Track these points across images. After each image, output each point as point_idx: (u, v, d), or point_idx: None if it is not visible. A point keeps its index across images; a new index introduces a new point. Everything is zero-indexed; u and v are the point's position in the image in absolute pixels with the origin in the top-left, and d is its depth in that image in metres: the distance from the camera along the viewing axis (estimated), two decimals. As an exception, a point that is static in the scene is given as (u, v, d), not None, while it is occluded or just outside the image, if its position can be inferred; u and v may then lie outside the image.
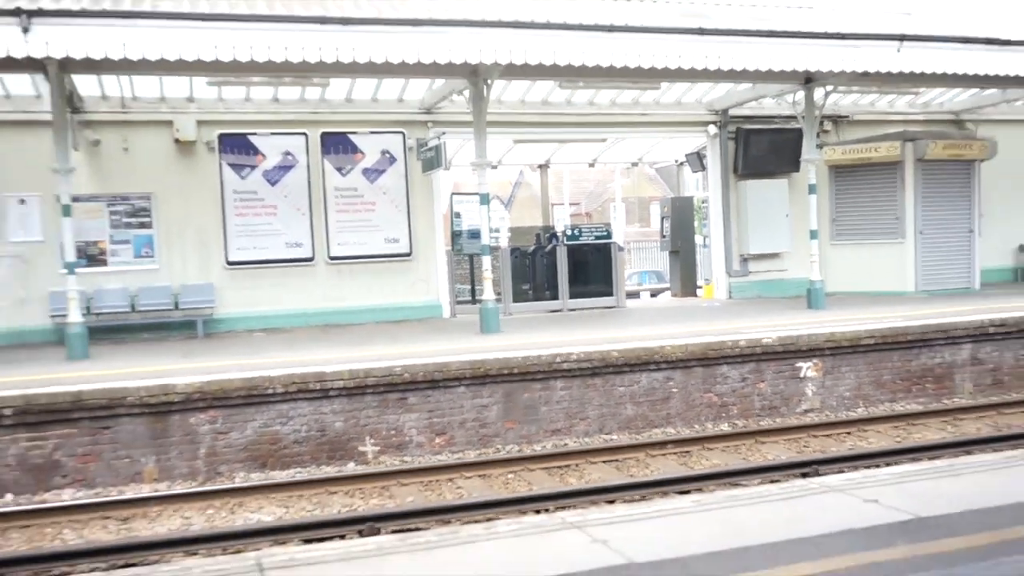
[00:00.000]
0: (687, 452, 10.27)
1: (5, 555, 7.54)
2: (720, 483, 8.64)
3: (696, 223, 20.48)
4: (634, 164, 23.62)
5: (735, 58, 13.77)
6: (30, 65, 11.89)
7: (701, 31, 13.78)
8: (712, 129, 18.55)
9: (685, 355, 11.42)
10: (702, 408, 11.50)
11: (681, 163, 21.09)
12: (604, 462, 9.93)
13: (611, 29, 13.28)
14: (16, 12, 11.10)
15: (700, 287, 20.04)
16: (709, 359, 11.54)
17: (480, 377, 10.64)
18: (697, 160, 19.58)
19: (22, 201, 14.67)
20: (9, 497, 9.07)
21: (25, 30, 11.07)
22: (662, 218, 22.17)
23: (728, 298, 18.48)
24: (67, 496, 9.11)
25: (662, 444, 10.43)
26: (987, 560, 4.59)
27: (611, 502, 8.05)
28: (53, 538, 8.12)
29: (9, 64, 11.79)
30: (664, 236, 21.63)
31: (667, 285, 23.86)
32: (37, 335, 14.54)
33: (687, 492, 8.26)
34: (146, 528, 8.31)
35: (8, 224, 14.68)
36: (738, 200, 18.49)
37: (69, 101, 13.03)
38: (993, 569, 4.46)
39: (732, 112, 18.26)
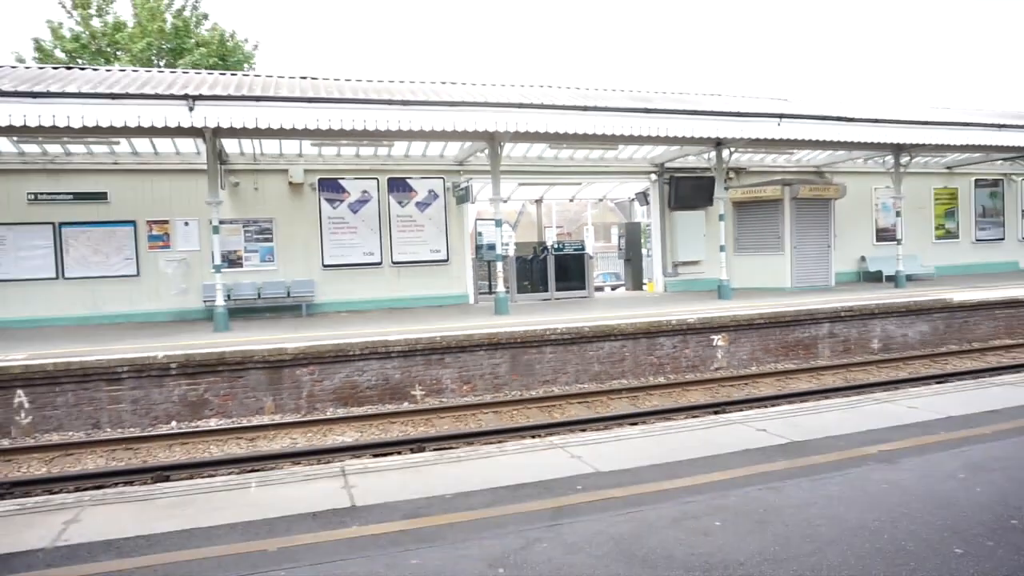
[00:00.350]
0: (636, 396, 10.20)
1: (172, 462, 7.53)
2: (658, 417, 8.59)
3: (642, 240, 20.37)
4: (600, 200, 23.36)
5: (670, 129, 13.72)
6: (193, 132, 11.87)
7: (646, 111, 13.73)
8: (653, 176, 18.39)
9: (635, 330, 11.33)
10: (646, 366, 11.41)
11: (632, 199, 20.88)
12: (579, 403, 9.87)
13: (585, 109, 13.20)
14: (185, 97, 11.13)
15: (645, 284, 19.90)
16: (651, 332, 11.44)
17: (494, 344, 10.56)
18: (643, 197, 19.42)
19: (186, 223, 14.63)
20: (174, 424, 9.07)
21: (191, 109, 11.07)
22: (619, 236, 22.00)
23: (664, 291, 18.32)
24: (212, 423, 9.12)
25: (618, 391, 10.37)
26: (840, 471, 4.54)
27: (583, 430, 7.99)
28: (203, 451, 8.12)
29: (179, 131, 11.80)
30: (620, 249, 21.48)
31: (622, 282, 23.72)
32: (194, 314, 14.50)
33: (635, 424, 8.21)
34: (266, 445, 8.31)
35: (177, 238, 14.64)
36: (671, 224, 18.35)
37: (218, 156, 12.97)
38: (843, 477, 4.40)
39: (667, 165, 18.11)
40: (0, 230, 13.65)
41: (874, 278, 19.32)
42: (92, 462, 7.75)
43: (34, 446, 8.09)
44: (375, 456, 7.09)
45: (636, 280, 20.40)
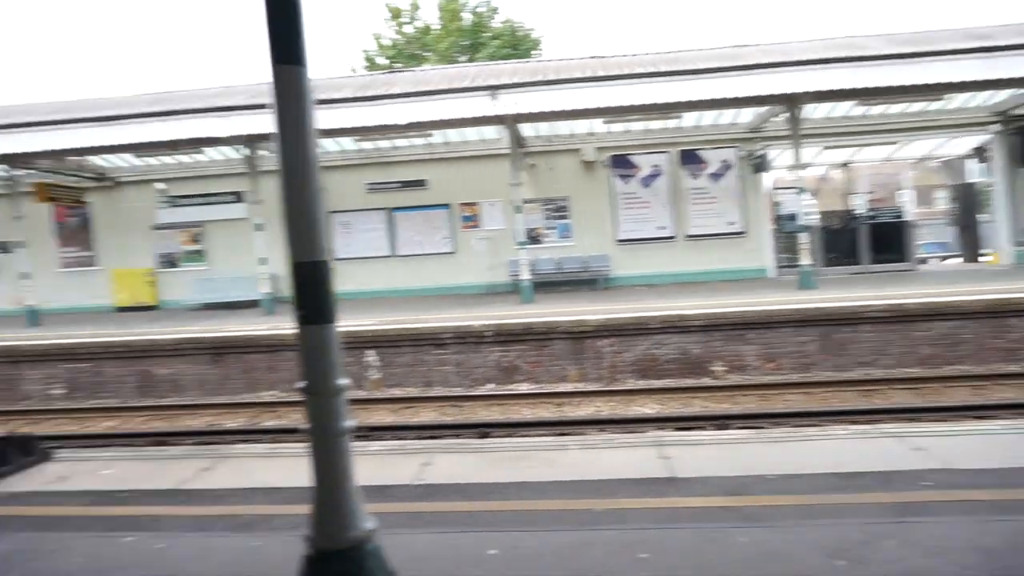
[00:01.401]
0: (981, 386, 8.68)
1: (491, 420, 8.24)
2: (1013, 412, 7.20)
3: (981, 204, 17.37)
4: (920, 159, 20.36)
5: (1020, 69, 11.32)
6: (495, 120, 12.84)
7: (985, 50, 11.53)
8: (995, 128, 15.44)
9: (976, 308, 9.64)
10: (992, 352, 9.63)
11: (966, 156, 17.81)
12: (904, 389, 8.69)
13: (903, 57, 11.56)
14: (488, 88, 12.09)
15: (986, 255, 16.93)
16: (998, 312, 9.62)
17: (801, 320, 9.80)
18: (981, 154, 16.45)
19: (492, 204, 15.94)
20: (490, 385, 9.95)
21: (493, 98, 11.99)
22: (952, 200, 19.04)
23: (1014, 263, 15.35)
24: (523, 388, 9.80)
25: (955, 378, 8.92)
26: None
27: (914, 420, 7.01)
28: (516, 412, 8.75)
29: (483, 120, 12.87)
30: (954, 215, 18.59)
31: (954, 253, 20.53)
32: (501, 287, 15.77)
33: (981, 418, 6.98)
34: (572, 411, 8.69)
35: (484, 218, 16.03)
36: (1022, 184, 15.28)
37: (517, 140, 13.86)
38: None
39: (1013, 112, 15.03)
40: (346, 216, 16.20)
41: None
42: (426, 415, 8.86)
43: (381, 398, 9.51)
44: (677, 429, 7.03)
45: (972, 250, 17.44)
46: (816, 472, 4.11)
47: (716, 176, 15.51)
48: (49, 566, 3.23)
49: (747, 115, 15.09)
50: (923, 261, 19.74)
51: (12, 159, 14.05)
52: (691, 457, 4.54)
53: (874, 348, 9.72)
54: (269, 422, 8.83)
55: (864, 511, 3.54)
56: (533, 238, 15.58)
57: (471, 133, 15.65)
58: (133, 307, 16.64)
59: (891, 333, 9.72)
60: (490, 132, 15.37)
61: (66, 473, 4.68)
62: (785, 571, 2.98)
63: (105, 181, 16.86)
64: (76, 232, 17.22)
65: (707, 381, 9.51)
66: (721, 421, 7.44)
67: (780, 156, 15.93)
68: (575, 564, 3.11)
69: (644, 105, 12.00)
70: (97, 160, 16.22)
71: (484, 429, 7.70)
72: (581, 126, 15.49)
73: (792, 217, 14.33)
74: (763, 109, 14.19)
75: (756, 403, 8.49)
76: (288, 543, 3.19)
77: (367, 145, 16.16)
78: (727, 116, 15.22)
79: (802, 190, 13.01)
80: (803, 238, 12.88)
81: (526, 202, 15.16)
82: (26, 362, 10.92)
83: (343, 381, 2.28)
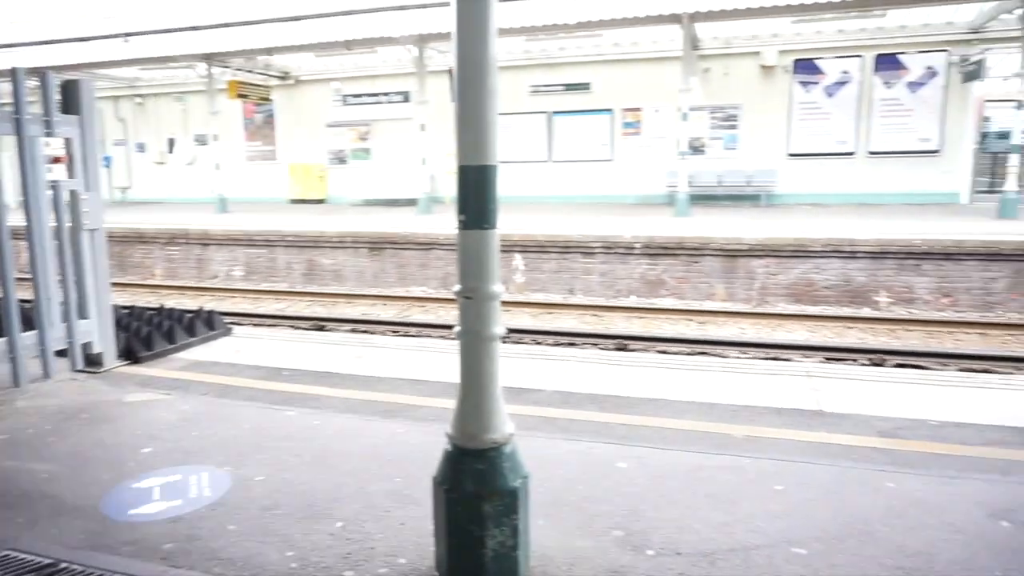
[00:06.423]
0: None
1: (630, 333, 8.21)
2: None
3: None
4: None
5: None
6: (670, 19, 12.07)
7: None
8: None
9: None
10: None
11: None
12: (1117, 341, 7.57)
13: None
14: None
15: None
16: None
17: (991, 253, 8.72)
18: None
19: (656, 111, 15.24)
20: (633, 298, 9.86)
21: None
22: None
23: None
24: (667, 303, 9.61)
25: None
26: None
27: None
28: (656, 327, 8.66)
29: (655, 20, 12.12)
30: None
31: None
32: (656, 199, 15.31)
33: None
34: (714, 330, 8.46)
35: (647, 125, 15.38)
36: None
37: (692, 42, 12.96)
38: None
39: None
40: (506, 119, 16.12)
41: None
42: (566, 322, 8.97)
43: (524, 302, 9.73)
44: (827, 360, 6.62)
45: None
46: (986, 423, 3.71)
47: (916, 85, 13.73)
48: (222, 429, 3.69)
49: (969, 12, 13.05)
50: None
51: (210, 57, 15.28)
52: (841, 391, 4.26)
53: (1085, 292, 8.48)
54: (417, 315, 9.37)
55: (1040, 472, 3.16)
56: (695, 148, 14.79)
57: (642, 34, 14.83)
58: (304, 200, 17.98)
59: (1111, 276, 8.39)
60: (661, 33, 14.48)
61: (241, 348, 5.25)
62: (937, 524, 2.76)
63: (288, 80, 17.93)
64: (260, 128, 18.64)
65: (867, 312, 8.84)
66: (878, 356, 6.90)
67: (1001, 63, 13.75)
68: (704, 488, 3.08)
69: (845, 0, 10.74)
70: (281, 59, 17.22)
71: (623, 341, 7.68)
72: (766, 26, 14.17)
73: (1004, 135, 12.54)
74: (991, 3, 12.19)
75: (920, 340, 7.77)
76: (428, 432, 3.41)
77: (533, 46, 15.83)
78: (943, 13, 13.24)
79: (1022, 103, 11.22)
80: (1013, 160, 11.22)
81: (692, 109, 14.32)
82: (214, 245, 12.24)
83: (498, 287, 2.26)
